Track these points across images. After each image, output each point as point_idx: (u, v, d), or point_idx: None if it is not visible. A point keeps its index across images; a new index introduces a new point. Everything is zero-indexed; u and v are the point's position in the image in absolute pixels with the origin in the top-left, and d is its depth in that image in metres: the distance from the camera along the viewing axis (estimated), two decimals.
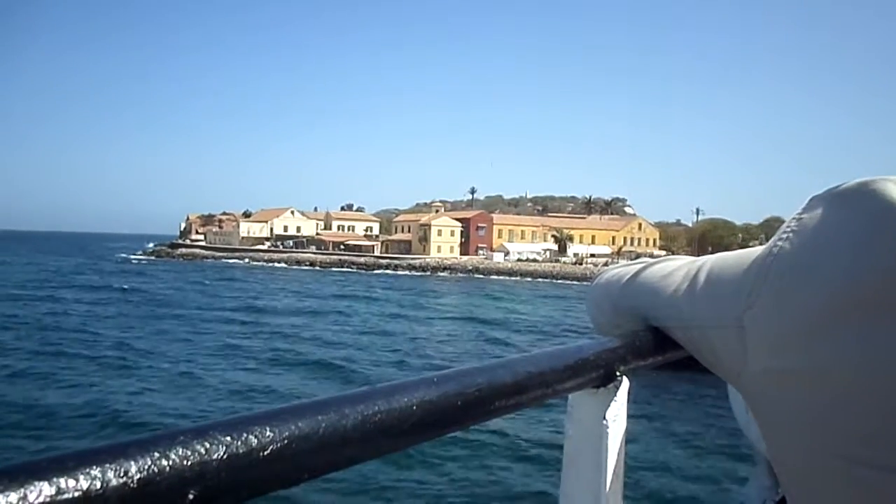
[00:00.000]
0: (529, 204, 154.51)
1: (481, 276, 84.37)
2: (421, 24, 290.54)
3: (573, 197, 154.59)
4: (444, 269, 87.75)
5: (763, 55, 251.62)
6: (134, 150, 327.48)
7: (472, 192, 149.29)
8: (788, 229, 0.61)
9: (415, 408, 0.49)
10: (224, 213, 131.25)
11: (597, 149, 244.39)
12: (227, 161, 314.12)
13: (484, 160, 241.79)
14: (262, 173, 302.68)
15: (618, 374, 0.77)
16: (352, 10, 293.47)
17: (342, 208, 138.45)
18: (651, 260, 0.90)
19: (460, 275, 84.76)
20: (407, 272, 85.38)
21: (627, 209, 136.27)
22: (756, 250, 0.65)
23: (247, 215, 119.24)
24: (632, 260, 1.03)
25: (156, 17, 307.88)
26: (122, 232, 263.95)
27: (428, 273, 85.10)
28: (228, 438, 0.38)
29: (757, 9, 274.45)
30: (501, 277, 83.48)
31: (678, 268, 0.79)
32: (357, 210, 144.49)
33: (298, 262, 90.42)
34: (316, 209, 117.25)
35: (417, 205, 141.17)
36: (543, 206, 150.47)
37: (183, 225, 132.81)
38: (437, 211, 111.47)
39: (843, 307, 0.53)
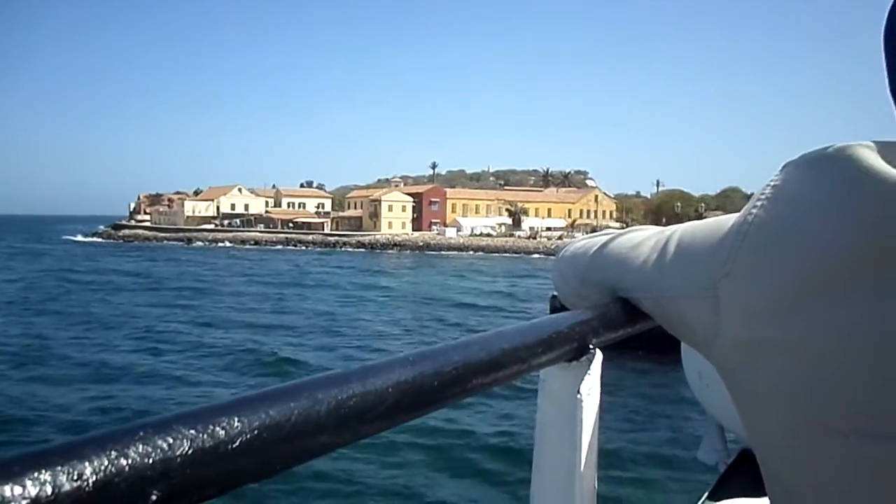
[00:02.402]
0: (492, 178, 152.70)
1: (433, 252, 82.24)
2: (382, 7, 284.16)
3: (535, 171, 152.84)
4: (394, 245, 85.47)
5: (723, 32, 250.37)
6: (94, 131, 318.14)
7: (434, 166, 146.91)
8: (763, 196, 0.60)
9: (390, 390, 0.48)
10: (177, 193, 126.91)
11: (560, 123, 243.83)
12: (188, 141, 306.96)
13: (449, 135, 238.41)
14: (221, 153, 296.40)
15: (591, 347, 0.77)
16: None
17: (301, 185, 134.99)
18: (618, 230, 0.88)
19: (409, 251, 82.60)
20: (355, 249, 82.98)
21: (589, 181, 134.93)
22: (728, 218, 0.64)
23: (197, 194, 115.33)
24: (587, 233, 1.01)
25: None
26: (80, 214, 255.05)
27: (377, 250, 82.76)
28: (193, 432, 0.35)
29: None
30: (452, 253, 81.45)
31: (647, 238, 0.78)
32: (317, 188, 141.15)
33: (243, 242, 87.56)
34: (274, 186, 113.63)
35: (379, 181, 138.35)
36: (506, 179, 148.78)
37: (132, 205, 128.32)
38: (395, 186, 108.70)
39: (821, 275, 0.52)
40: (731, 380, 0.61)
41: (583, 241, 0.93)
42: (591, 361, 0.77)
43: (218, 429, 0.36)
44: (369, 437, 0.47)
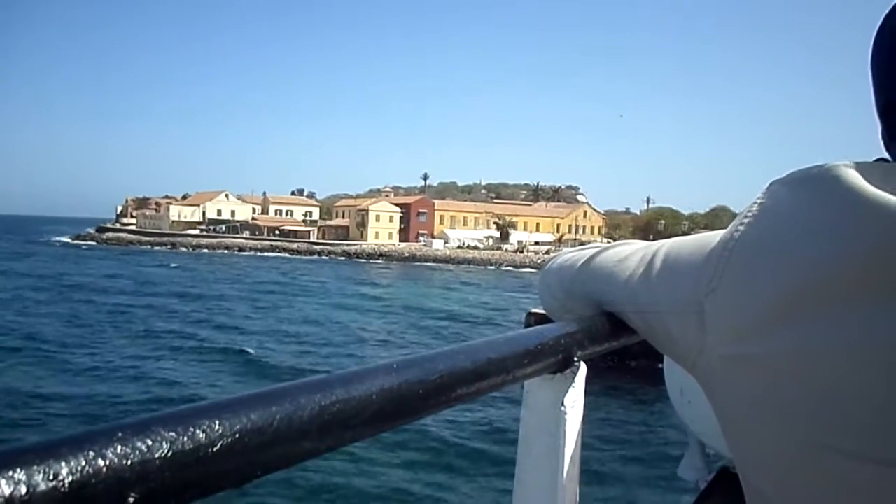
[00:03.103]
0: (483, 191, 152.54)
1: (418, 263, 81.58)
2: (379, 13, 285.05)
3: (527, 184, 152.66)
4: (380, 255, 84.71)
5: (716, 49, 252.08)
6: (90, 133, 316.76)
7: (425, 178, 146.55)
8: (750, 214, 0.60)
9: (374, 396, 0.47)
10: (166, 197, 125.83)
11: (554, 138, 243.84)
12: (184, 145, 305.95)
13: (442, 147, 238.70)
14: (216, 158, 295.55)
15: (575, 359, 0.77)
16: None
17: (293, 193, 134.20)
18: (605, 244, 0.89)
19: (395, 262, 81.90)
20: (340, 259, 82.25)
21: (580, 197, 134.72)
22: (714, 235, 0.65)
23: (185, 199, 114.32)
24: (576, 248, 1.02)
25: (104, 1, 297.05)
26: (71, 215, 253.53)
27: (362, 260, 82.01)
28: (173, 434, 0.34)
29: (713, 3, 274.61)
30: (438, 265, 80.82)
31: (633, 252, 0.78)
32: (308, 196, 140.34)
33: (227, 248, 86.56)
34: (265, 193, 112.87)
35: (370, 191, 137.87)
36: (497, 193, 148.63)
37: (119, 208, 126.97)
38: (386, 196, 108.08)
39: (806, 293, 0.52)
40: (714, 395, 0.61)
41: (570, 255, 0.93)
42: (575, 374, 0.77)
43: (198, 431, 0.36)
44: (352, 443, 0.47)
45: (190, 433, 0.35)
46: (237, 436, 0.37)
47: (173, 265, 60.01)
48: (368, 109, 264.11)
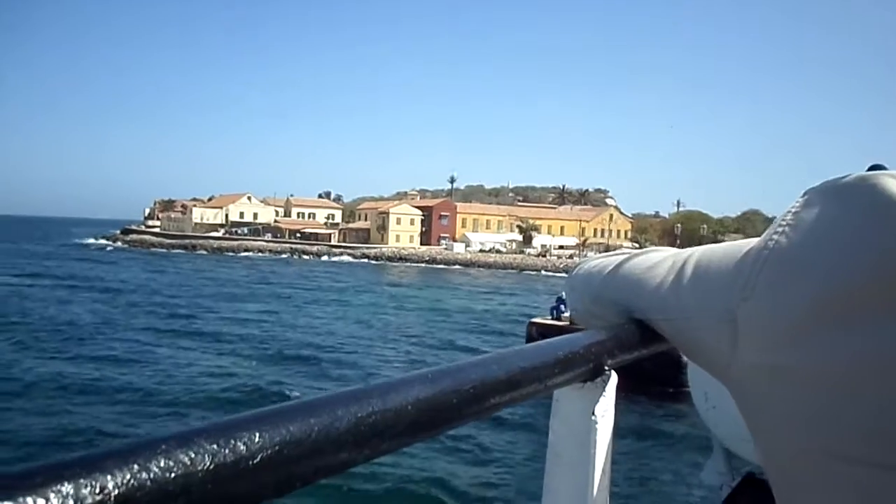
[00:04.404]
0: (511, 194, 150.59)
1: (441, 266, 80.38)
2: (409, 18, 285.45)
3: (555, 188, 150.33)
4: (400, 258, 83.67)
5: (745, 51, 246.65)
6: (136, 136, 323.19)
7: (452, 180, 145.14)
8: (784, 223, 0.60)
9: (409, 407, 0.47)
10: (193, 199, 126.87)
11: (583, 142, 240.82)
12: (218, 149, 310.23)
13: (471, 150, 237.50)
14: (248, 161, 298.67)
15: (606, 368, 0.76)
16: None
17: (319, 196, 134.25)
18: (633, 250, 0.88)
19: (415, 264, 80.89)
20: (362, 261, 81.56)
21: (609, 200, 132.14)
22: (747, 243, 0.65)
23: (210, 201, 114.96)
24: (600, 252, 1.02)
25: (132, 8, 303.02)
26: (104, 217, 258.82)
27: (381, 262, 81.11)
28: (215, 446, 0.35)
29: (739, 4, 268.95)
30: (459, 268, 79.50)
31: (663, 259, 0.78)
32: (335, 198, 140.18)
33: (247, 250, 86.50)
34: (289, 196, 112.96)
35: (398, 193, 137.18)
36: (525, 196, 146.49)
37: (147, 210, 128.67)
38: (412, 199, 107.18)
39: (839, 304, 0.52)
40: (745, 404, 0.61)
41: (597, 260, 0.93)
42: (605, 383, 0.76)
43: (239, 444, 0.36)
44: (388, 454, 0.47)
45: (231, 445, 0.35)
46: (277, 448, 0.38)
47: (174, 268, 60.26)
48: (398, 112, 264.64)
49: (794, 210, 0.60)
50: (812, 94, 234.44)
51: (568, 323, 23.61)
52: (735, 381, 0.62)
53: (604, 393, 0.76)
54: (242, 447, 0.36)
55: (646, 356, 0.82)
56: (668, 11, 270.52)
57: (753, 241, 0.63)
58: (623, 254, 0.88)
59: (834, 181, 0.59)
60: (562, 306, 25.30)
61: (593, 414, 0.75)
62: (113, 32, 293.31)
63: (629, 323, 0.80)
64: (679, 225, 77.53)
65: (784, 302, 0.56)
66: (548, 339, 0.71)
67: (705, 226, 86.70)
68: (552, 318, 24.55)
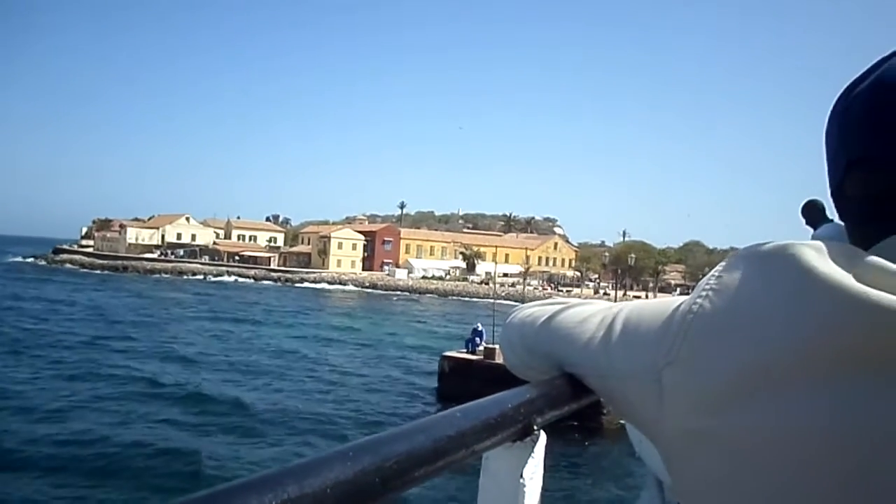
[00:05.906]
0: (461, 221, 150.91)
1: (380, 292, 78.88)
2: (362, 38, 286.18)
3: (504, 215, 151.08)
4: (340, 283, 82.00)
5: (693, 79, 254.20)
6: (81, 152, 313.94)
7: (402, 206, 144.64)
8: (708, 287, 0.60)
9: (329, 490, 0.44)
10: (134, 219, 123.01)
11: (533, 171, 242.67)
12: (170, 169, 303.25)
13: (423, 177, 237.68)
14: (198, 182, 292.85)
15: (535, 427, 0.75)
16: (298, 8, 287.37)
17: (266, 219, 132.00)
18: (566, 301, 0.90)
19: (353, 288, 79.37)
20: (298, 286, 79.50)
21: (557, 229, 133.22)
22: (674, 301, 0.65)
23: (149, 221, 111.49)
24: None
25: (69, 23, 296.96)
26: (43, 235, 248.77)
27: (320, 287, 79.36)
28: None
29: (696, 31, 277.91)
30: (399, 293, 78.19)
31: (594, 314, 0.78)
32: (282, 222, 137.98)
33: (181, 273, 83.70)
34: (238, 217, 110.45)
35: (347, 218, 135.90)
36: (474, 223, 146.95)
37: (84, 229, 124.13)
38: (360, 224, 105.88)
39: (762, 373, 0.53)
40: (671, 465, 0.61)
41: (530, 310, 0.93)
42: (535, 443, 0.76)
43: None
44: None
45: None
46: None
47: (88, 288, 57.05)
48: (349, 137, 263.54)
49: (717, 274, 0.61)
50: (760, 126, 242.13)
51: (482, 357, 22.90)
52: (662, 441, 0.62)
53: (532, 454, 0.75)
54: None
55: (576, 410, 0.81)
56: (612, 41, 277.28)
57: (680, 300, 0.64)
58: (556, 304, 0.88)
59: (756, 248, 0.59)
60: (477, 339, 24.40)
61: (521, 476, 0.74)
62: (60, 49, 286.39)
63: (560, 378, 0.79)
64: (633, 255, 77.56)
65: (707, 368, 0.56)
66: (476, 402, 0.69)
67: (656, 258, 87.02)
68: (467, 352, 23.81)
